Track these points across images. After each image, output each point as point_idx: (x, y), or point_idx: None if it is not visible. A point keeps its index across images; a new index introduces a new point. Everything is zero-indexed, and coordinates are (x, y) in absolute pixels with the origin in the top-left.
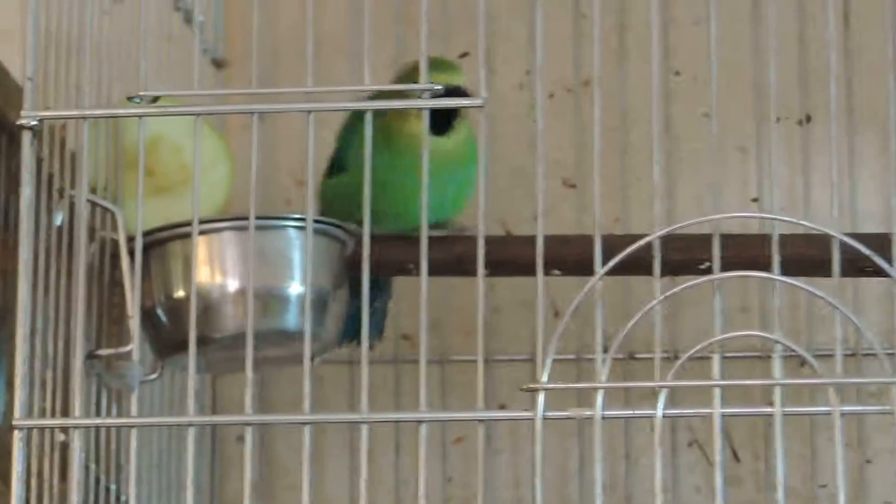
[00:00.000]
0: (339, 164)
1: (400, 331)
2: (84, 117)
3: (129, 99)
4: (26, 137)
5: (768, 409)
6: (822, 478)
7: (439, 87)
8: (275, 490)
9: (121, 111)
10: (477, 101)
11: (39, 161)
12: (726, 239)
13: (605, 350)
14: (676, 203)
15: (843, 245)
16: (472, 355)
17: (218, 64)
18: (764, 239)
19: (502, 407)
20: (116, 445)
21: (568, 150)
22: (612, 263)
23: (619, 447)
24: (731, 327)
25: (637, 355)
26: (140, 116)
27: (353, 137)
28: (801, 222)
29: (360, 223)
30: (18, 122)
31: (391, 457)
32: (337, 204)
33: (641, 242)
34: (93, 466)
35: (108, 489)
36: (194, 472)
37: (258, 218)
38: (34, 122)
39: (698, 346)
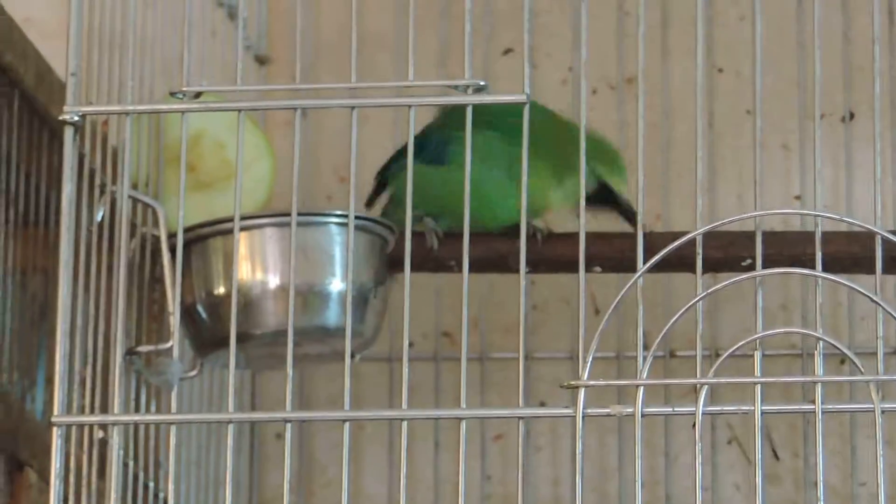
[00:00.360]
0: (435, 155)
1: (441, 328)
2: (126, 113)
3: (172, 94)
4: (68, 133)
5: (808, 407)
6: (862, 476)
7: (483, 84)
8: (313, 487)
9: (163, 107)
10: (521, 97)
11: (81, 157)
12: (768, 236)
13: (646, 348)
14: (718, 200)
15: (886, 242)
16: (513, 353)
17: (261, 60)
18: (806, 236)
19: (542, 404)
20: (155, 442)
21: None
22: (653, 261)
23: (659, 445)
24: (771, 325)
25: (678, 353)
26: (183, 112)
27: (457, 133)
28: (844, 219)
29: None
30: (60, 118)
31: (430, 454)
32: (427, 193)
33: (683, 240)
34: (131, 464)
35: (146, 486)
36: (233, 468)
37: (300, 214)
38: (76, 118)
39: (739, 343)
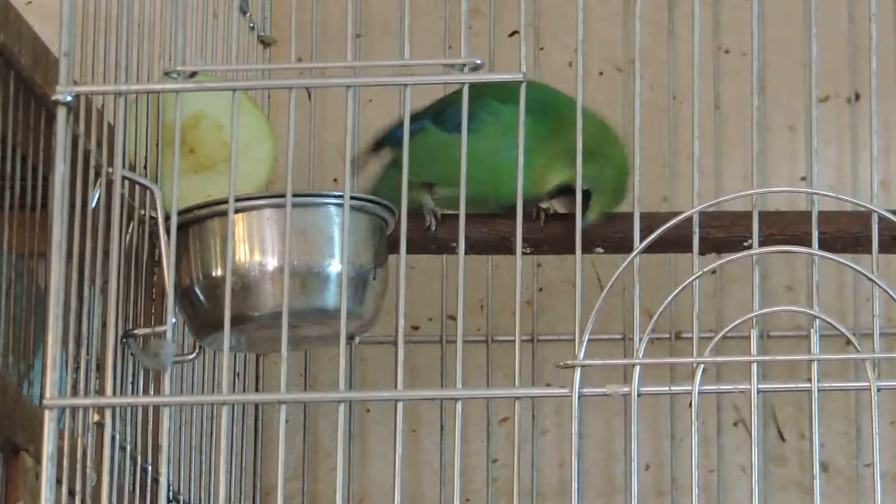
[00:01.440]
0: (456, 123)
1: (447, 311)
2: (119, 93)
3: (167, 74)
4: (61, 113)
5: (804, 385)
6: (867, 457)
7: (480, 62)
8: (318, 471)
9: (157, 86)
10: (518, 76)
11: (76, 138)
12: (770, 216)
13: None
14: (723, 181)
15: (885, 221)
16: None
17: (265, 43)
18: (808, 216)
19: (548, 386)
20: (154, 427)
21: (618, 128)
22: (649, 240)
23: (664, 427)
24: (776, 304)
25: (683, 335)
26: (177, 92)
27: (489, 102)
28: (840, 197)
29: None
30: (53, 98)
31: (436, 437)
32: (439, 160)
33: (680, 218)
34: (129, 447)
35: (145, 470)
36: (237, 453)
37: (298, 195)
38: (69, 98)
39: (736, 321)
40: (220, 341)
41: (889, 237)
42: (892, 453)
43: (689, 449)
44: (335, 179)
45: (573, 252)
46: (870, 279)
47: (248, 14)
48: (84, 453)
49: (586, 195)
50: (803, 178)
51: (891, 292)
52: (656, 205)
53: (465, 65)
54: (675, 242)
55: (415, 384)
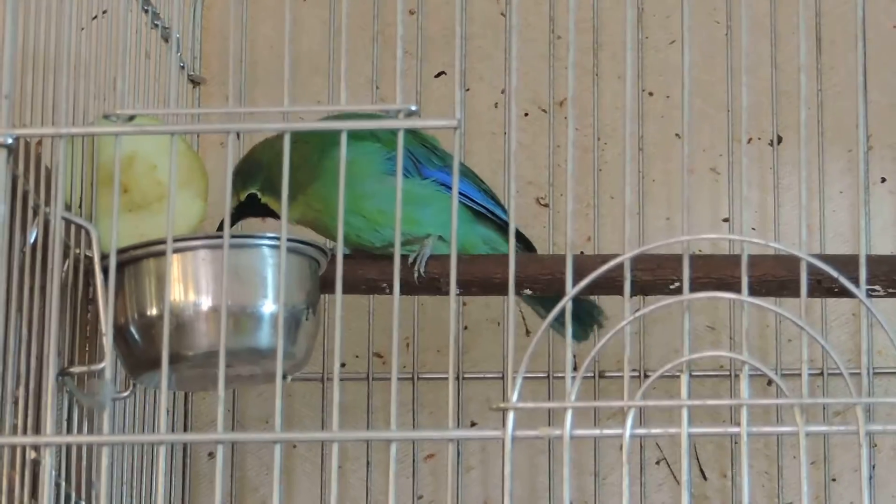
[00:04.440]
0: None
1: (373, 348)
2: (60, 135)
3: (106, 117)
4: (1, 155)
5: (735, 429)
6: (788, 495)
7: (414, 108)
8: None
9: (97, 129)
10: (452, 122)
11: (15, 178)
12: (696, 259)
13: (576, 368)
14: (648, 222)
15: (811, 266)
16: (444, 373)
17: (195, 81)
18: (733, 259)
19: (473, 424)
20: (87, 462)
21: (542, 168)
22: (582, 285)
23: (588, 464)
24: (699, 345)
25: (607, 373)
26: (116, 135)
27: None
28: (770, 244)
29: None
30: None
31: (362, 473)
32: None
33: (612, 264)
34: (63, 484)
35: None
36: (166, 488)
37: (234, 237)
38: (10, 140)
39: (667, 366)
40: (153, 379)
41: (814, 281)
42: (814, 493)
43: (612, 486)
44: (263, 218)
45: (502, 293)
46: (798, 326)
47: (169, 43)
48: (22, 489)
49: None
50: (726, 220)
51: (818, 338)
52: (581, 244)
53: (399, 110)
54: (603, 285)
55: (342, 421)
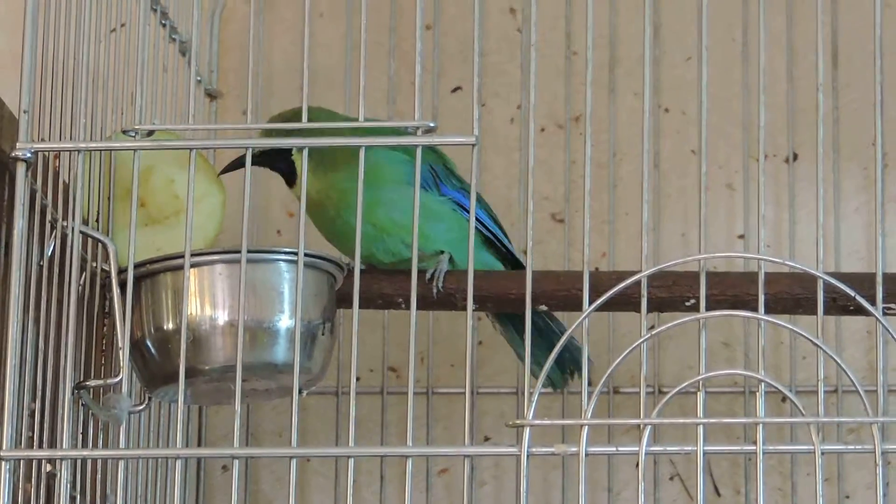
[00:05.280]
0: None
1: (388, 363)
2: (78, 150)
3: (125, 132)
4: (20, 169)
5: (750, 447)
6: None
7: (433, 125)
8: None
9: (115, 144)
10: (470, 139)
11: (33, 192)
12: (712, 277)
13: (590, 384)
14: (662, 238)
15: (827, 284)
16: (458, 388)
17: (211, 95)
18: (749, 277)
19: (487, 439)
20: (102, 475)
21: (558, 184)
22: (599, 302)
23: (602, 480)
24: (713, 361)
25: (621, 390)
26: (135, 150)
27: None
28: (787, 262)
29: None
30: (13, 155)
31: (375, 488)
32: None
33: (629, 281)
34: (78, 497)
35: None
36: (180, 502)
37: (251, 251)
38: (28, 154)
39: (683, 385)
40: (169, 394)
41: (830, 299)
42: None
43: (626, 502)
44: (278, 231)
45: (518, 309)
46: (815, 344)
47: (186, 56)
48: (37, 502)
49: None
50: (741, 237)
51: (835, 357)
52: (596, 260)
53: (418, 127)
54: (619, 301)
55: (356, 435)
